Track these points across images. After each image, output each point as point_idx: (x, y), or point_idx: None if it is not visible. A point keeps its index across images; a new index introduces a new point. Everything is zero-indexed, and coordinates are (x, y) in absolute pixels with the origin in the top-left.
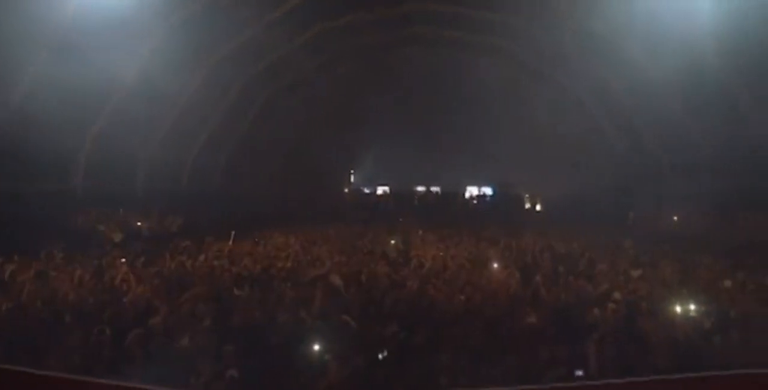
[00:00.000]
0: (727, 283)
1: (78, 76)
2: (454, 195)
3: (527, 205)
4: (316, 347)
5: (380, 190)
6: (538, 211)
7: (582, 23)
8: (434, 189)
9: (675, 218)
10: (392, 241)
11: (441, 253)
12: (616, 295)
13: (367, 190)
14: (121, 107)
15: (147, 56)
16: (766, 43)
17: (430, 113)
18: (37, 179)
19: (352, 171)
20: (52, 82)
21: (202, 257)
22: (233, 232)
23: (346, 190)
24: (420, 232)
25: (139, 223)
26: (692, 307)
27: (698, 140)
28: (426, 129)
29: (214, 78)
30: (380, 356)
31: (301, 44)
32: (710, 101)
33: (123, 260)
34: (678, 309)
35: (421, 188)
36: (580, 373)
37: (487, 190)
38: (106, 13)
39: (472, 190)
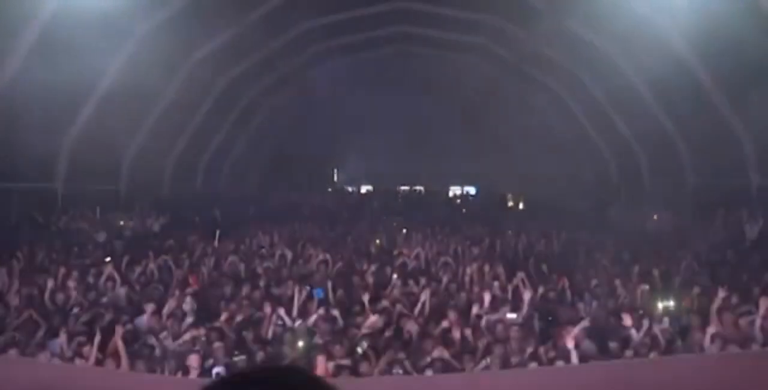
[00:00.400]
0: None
1: (58, 76)
2: (437, 194)
3: (510, 204)
4: (302, 343)
5: (364, 189)
6: (520, 210)
7: (567, 24)
8: (417, 188)
9: (655, 217)
10: (377, 241)
11: (425, 252)
12: (597, 291)
13: (350, 189)
14: (103, 108)
15: (128, 56)
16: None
17: (414, 112)
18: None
19: (335, 170)
20: (32, 82)
21: (184, 255)
22: (218, 231)
23: (330, 189)
24: (404, 230)
25: (122, 223)
26: None
27: (679, 141)
28: (410, 128)
29: (196, 78)
30: (366, 350)
31: (283, 44)
32: (692, 102)
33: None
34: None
35: (404, 187)
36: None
37: (470, 190)
38: (85, 12)
39: (455, 190)
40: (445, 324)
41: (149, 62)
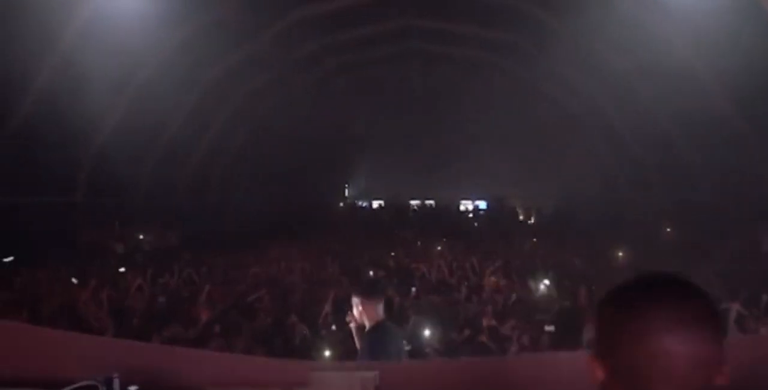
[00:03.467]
0: None
1: (80, 89)
2: (448, 208)
3: (521, 218)
4: (327, 353)
5: (376, 204)
6: (531, 224)
7: (578, 40)
8: (429, 202)
9: (668, 230)
10: (393, 254)
11: (442, 266)
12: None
13: (362, 204)
14: (121, 122)
15: (145, 73)
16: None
17: (424, 127)
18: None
19: (346, 185)
20: (55, 94)
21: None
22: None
23: (342, 204)
24: (418, 243)
25: (141, 236)
26: None
27: (692, 154)
28: (420, 143)
29: (211, 94)
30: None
31: (296, 61)
32: (707, 116)
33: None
34: None
35: (415, 202)
36: None
37: (481, 204)
38: (109, 26)
39: (466, 204)
40: (467, 332)
41: (165, 80)
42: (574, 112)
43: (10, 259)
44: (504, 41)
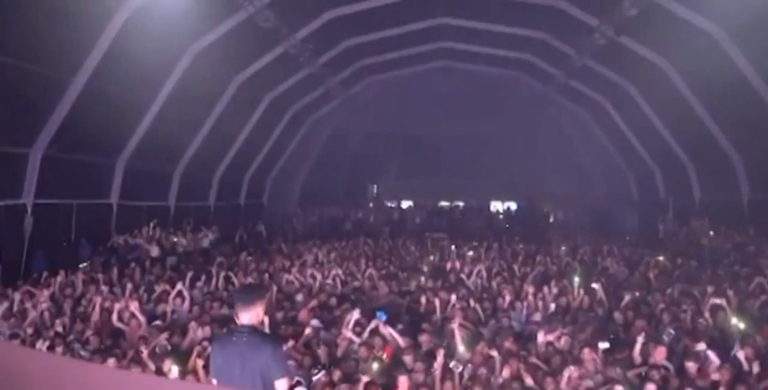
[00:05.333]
0: None
1: (113, 93)
2: (479, 209)
3: (551, 219)
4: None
5: (405, 205)
6: (562, 225)
7: (609, 38)
8: (458, 203)
9: (711, 233)
10: (431, 257)
11: (482, 271)
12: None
13: (391, 205)
14: (154, 127)
15: (180, 76)
16: None
17: (454, 127)
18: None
19: (375, 185)
20: (91, 97)
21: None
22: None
23: (370, 204)
24: (452, 247)
25: (174, 239)
26: None
27: (732, 155)
28: (450, 143)
29: (243, 96)
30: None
31: (328, 60)
32: (747, 116)
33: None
34: None
35: (445, 203)
36: None
37: (512, 205)
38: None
39: (496, 205)
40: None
41: (199, 81)
42: (612, 112)
43: (85, 264)
44: (538, 40)
